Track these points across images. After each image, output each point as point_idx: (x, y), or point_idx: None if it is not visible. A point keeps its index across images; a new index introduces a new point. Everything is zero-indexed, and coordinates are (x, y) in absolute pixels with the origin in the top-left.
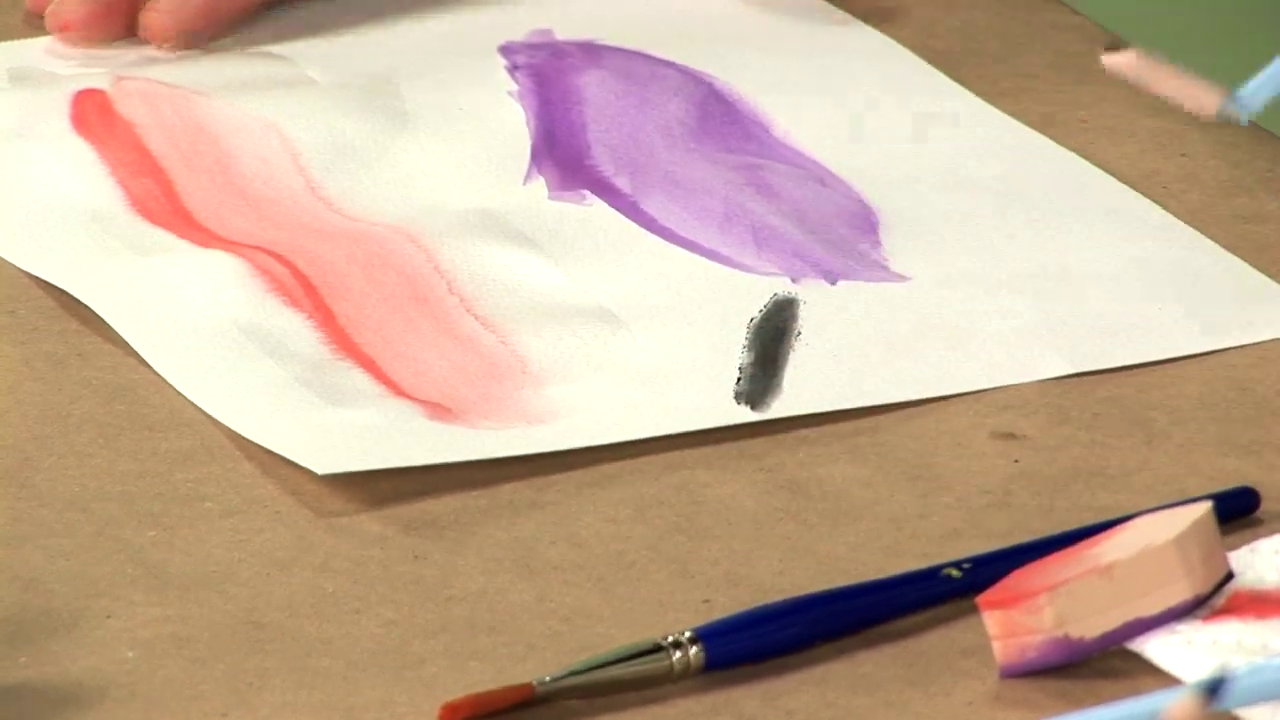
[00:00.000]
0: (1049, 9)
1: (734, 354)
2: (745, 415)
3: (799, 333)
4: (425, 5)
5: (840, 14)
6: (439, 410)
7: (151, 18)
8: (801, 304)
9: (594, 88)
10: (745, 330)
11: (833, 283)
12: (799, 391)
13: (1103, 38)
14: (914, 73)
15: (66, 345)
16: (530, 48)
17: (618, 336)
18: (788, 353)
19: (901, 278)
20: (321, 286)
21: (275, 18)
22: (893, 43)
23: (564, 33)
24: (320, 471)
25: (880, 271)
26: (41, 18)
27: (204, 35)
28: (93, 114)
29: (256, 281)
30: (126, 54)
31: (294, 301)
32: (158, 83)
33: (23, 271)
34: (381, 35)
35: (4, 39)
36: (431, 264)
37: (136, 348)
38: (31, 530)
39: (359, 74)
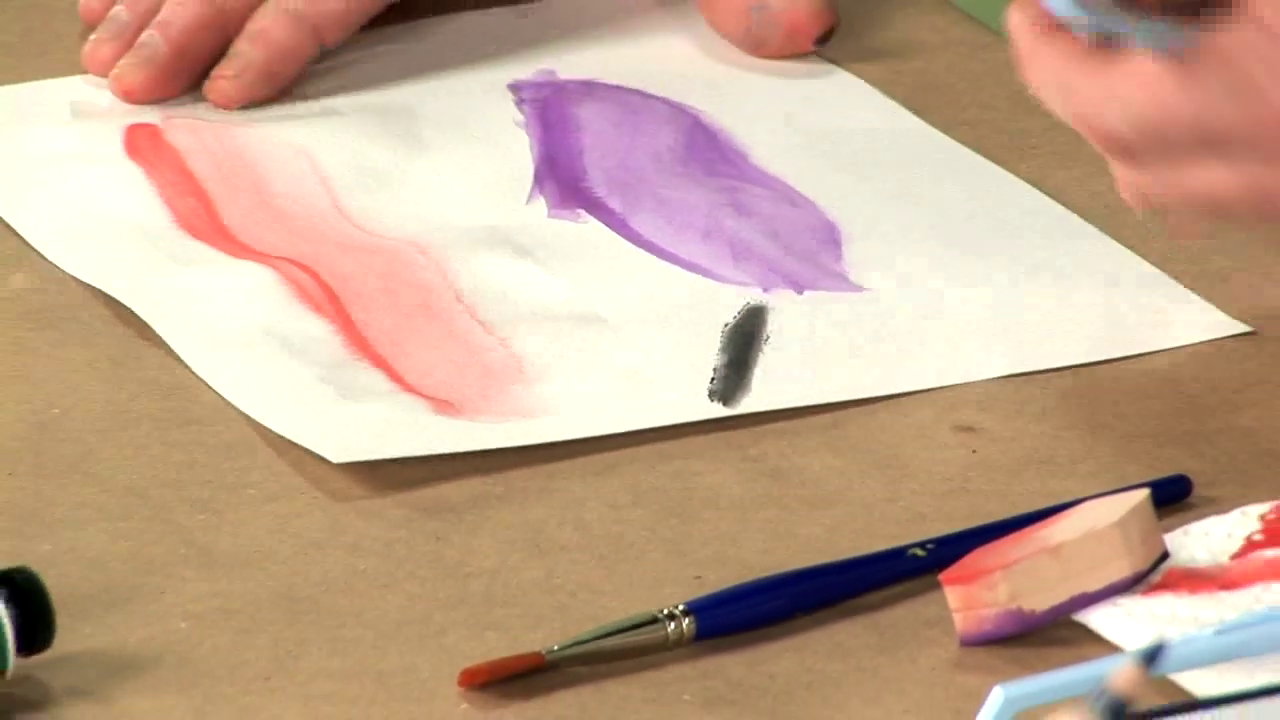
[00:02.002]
0: (1005, 49)
1: (709, 356)
2: (718, 410)
3: (769, 337)
4: (443, 48)
5: (812, 57)
6: (444, 405)
7: (218, 85)
8: (771, 311)
9: (591, 119)
10: (720, 334)
11: (800, 292)
12: (768, 389)
13: None
14: (877, 106)
15: (124, 348)
16: (536, 85)
17: (605, 339)
18: (758, 355)
19: (861, 288)
20: (342, 294)
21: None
22: (859, 80)
23: (566, 73)
24: (335, 460)
25: (842, 282)
26: (93, 26)
27: (263, 98)
28: (144, 142)
29: (284, 290)
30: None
31: (317, 308)
32: (202, 118)
33: (83, 282)
34: (403, 73)
35: (67, 74)
36: (440, 274)
37: (175, 348)
38: (93, 514)
39: (382, 106)
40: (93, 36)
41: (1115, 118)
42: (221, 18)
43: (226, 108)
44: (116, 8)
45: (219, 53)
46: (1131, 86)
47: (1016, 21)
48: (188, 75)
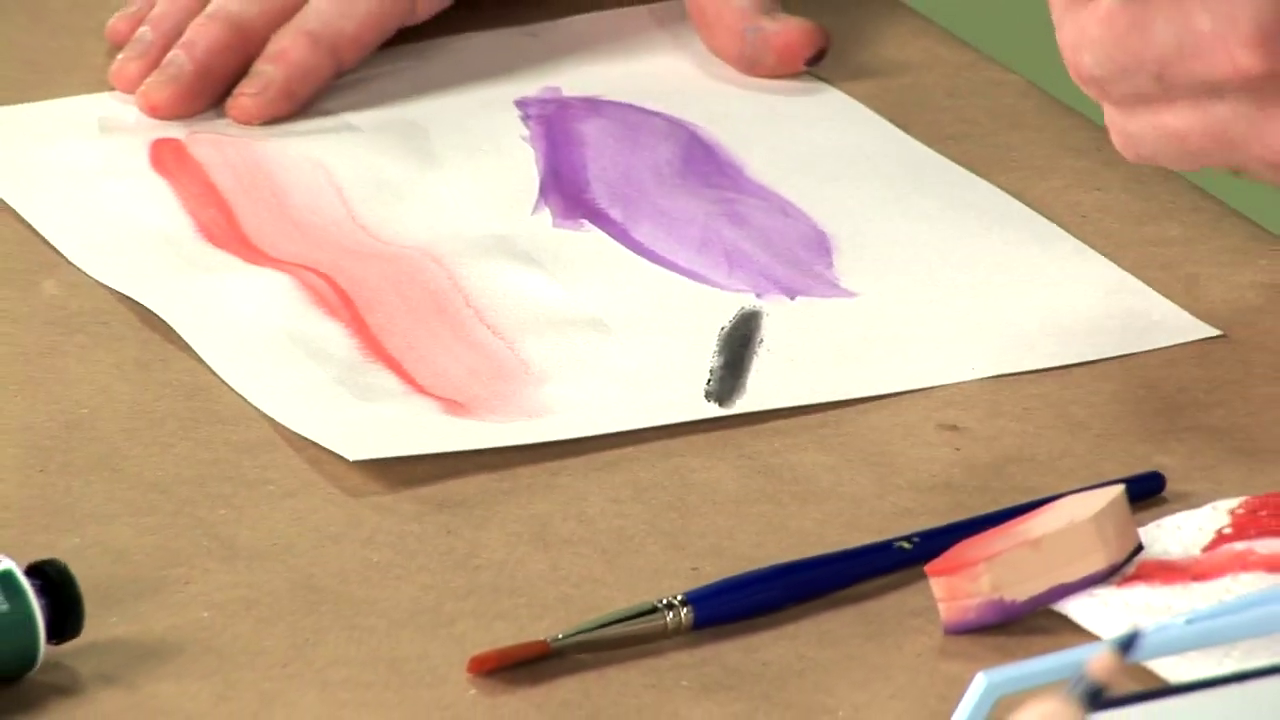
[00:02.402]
0: (988, 68)
1: (706, 358)
2: (714, 411)
3: (762, 341)
4: (453, 67)
5: (805, 75)
6: (453, 406)
7: (240, 102)
8: (765, 316)
9: (593, 133)
10: (716, 338)
11: (792, 298)
12: (761, 390)
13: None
14: (865, 122)
15: (150, 352)
16: (541, 101)
17: (606, 343)
18: (752, 358)
19: (850, 294)
20: (357, 300)
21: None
22: (848, 97)
23: (570, 90)
24: (351, 458)
25: (832, 289)
26: (119, 46)
27: (283, 115)
28: (168, 156)
29: (302, 295)
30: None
31: (333, 312)
32: (223, 133)
33: (111, 288)
34: (415, 90)
35: (95, 91)
36: (451, 281)
37: (198, 351)
38: (121, 509)
39: (395, 121)
40: (120, 55)
41: (1089, 59)
42: (243, 38)
43: (248, 124)
44: (142, 29)
45: (240, 72)
46: (1099, 27)
47: None
48: (211, 93)
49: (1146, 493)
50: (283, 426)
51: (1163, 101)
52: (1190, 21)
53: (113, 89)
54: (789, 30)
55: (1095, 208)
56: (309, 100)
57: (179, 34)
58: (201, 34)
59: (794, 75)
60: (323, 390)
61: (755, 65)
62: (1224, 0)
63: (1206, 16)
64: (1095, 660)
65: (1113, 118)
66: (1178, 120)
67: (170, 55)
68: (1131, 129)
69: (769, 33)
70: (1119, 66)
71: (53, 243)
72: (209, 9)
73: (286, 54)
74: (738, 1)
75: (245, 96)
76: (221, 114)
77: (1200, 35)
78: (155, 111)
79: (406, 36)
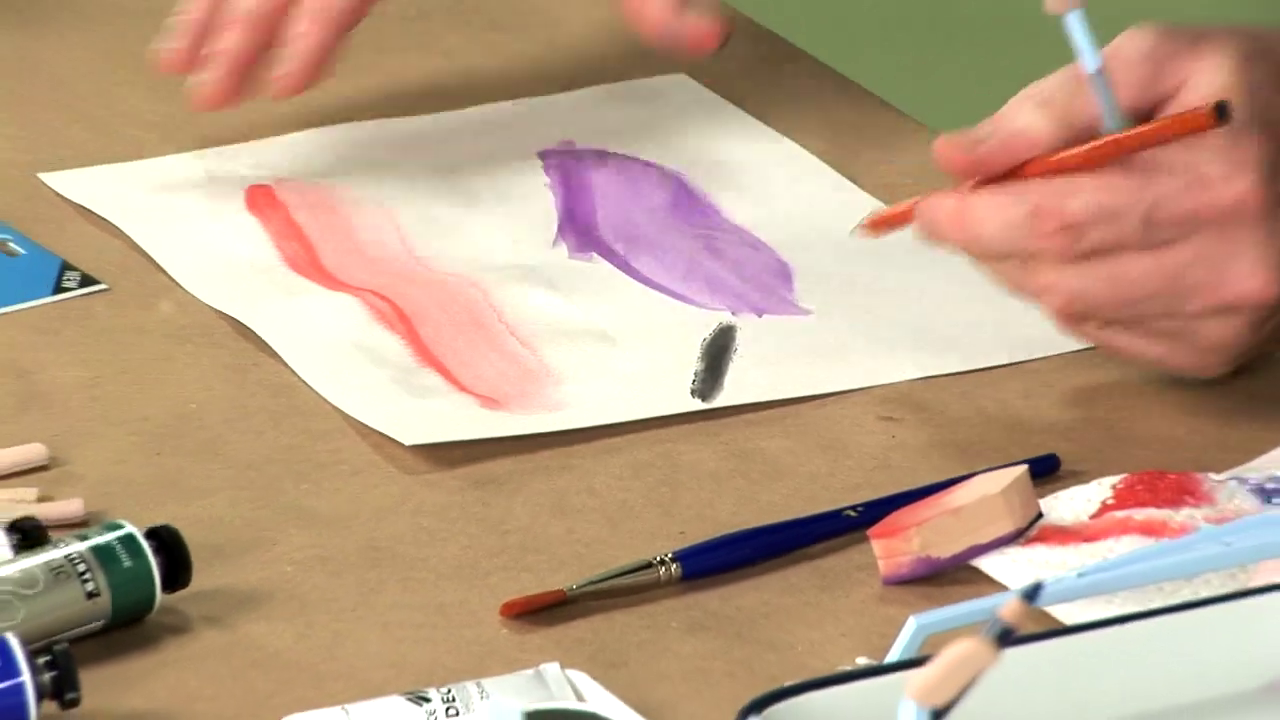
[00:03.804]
0: (917, 130)
1: (690, 363)
2: (698, 405)
3: (736, 349)
4: (489, 127)
5: (773, 132)
6: (489, 401)
7: (276, 86)
8: (738, 330)
9: (601, 181)
10: (699, 347)
11: (760, 315)
12: (736, 389)
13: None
14: (819, 172)
15: (245, 358)
16: (559, 153)
17: (611, 351)
18: (728, 364)
19: (807, 312)
20: (412, 317)
21: (387, 139)
22: (805, 152)
23: (582, 142)
24: (406, 443)
25: (792, 308)
26: (180, 74)
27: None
28: (260, 200)
29: (367, 314)
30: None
31: (392, 327)
32: (305, 180)
33: (214, 307)
34: (456, 147)
35: (201, 148)
36: (487, 301)
37: (284, 357)
38: (221, 485)
39: (442, 171)
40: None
41: (1077, 202)
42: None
43: (288, 97)
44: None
45: (266, 50)
46: (1098, 176)
47: (949, 152)
48: (244, 83)
49: (1045, 471)
50: (351, 418)
51: (1133, 249)
52: (1198, 168)
53: (216, 144)
54: (701, 27)
55: None
56: (330, 67)
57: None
58: (228, 37)
59: (759, 132)
60: (383, 388)
61: (673, 45)
62: (1233, 150)
63: (1216, 166)
64: (1006, 606)
65: (1061, 275)
66: (1137, 266)
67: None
68: (1080, 284)
69: (683, 31)
70: (1108, 210)
71: (168, 270)
72: (231, 16)
73: (299, 40)
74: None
75: (276, 79)
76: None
77: (1206, 174)
78: (202, 105)
79: (451, 104)
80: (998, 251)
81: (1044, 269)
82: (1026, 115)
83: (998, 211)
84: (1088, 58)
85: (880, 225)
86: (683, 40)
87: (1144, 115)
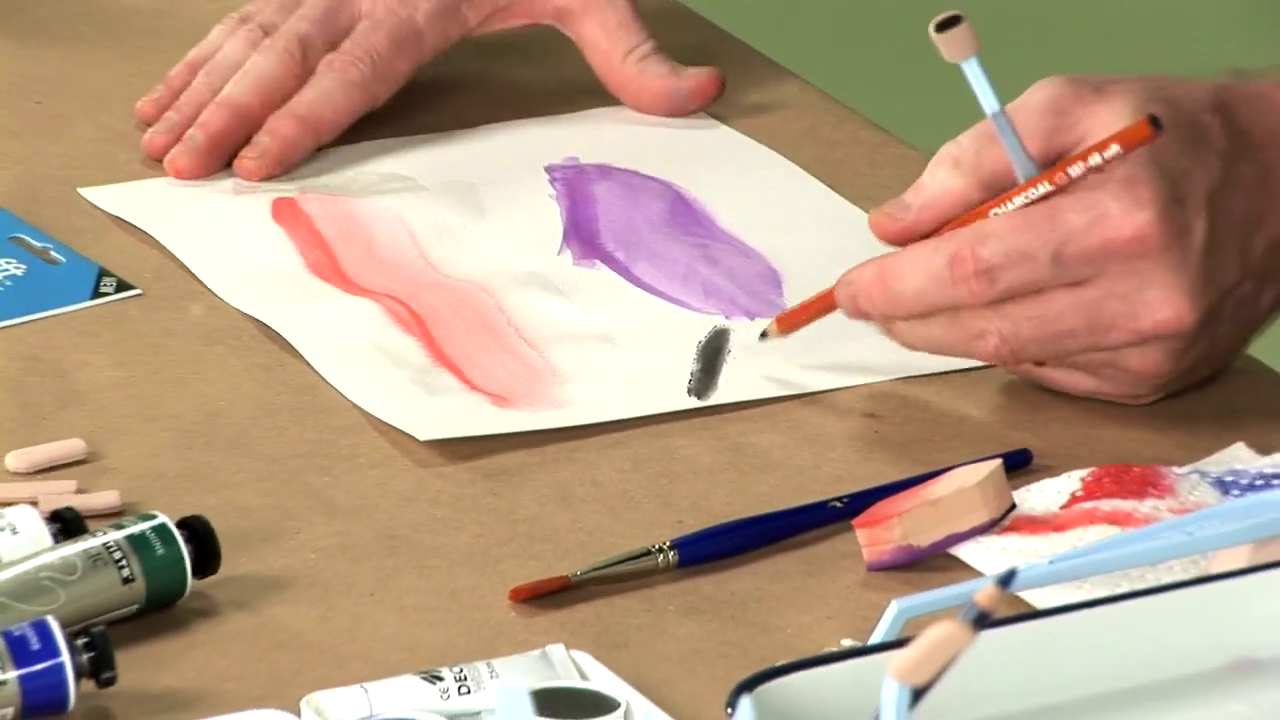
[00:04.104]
0: (898, 146)
1: (687, 364)
2: (694, 403)
3: (730, 351)
4: (499, 143)
5: (762, 147)
6: (499, 399)
7: (244, 163)
8: (731, 333)
9: (604, 193)
10: (695, 349)
11: (751, 319)
12: (729, 388)
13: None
14: (807, 185)
15: (271, 359)
16: (564, 167)
17: (613, 352)
18: (722, 364)
19: None
20: (427, 320)
21: (404, 155)
22: (794, 165)
23: (585, 158)
24: (422, 438)
25: (782, 312)
26: (158, 160)
27: (280, 175)
28: (285, 210)
29: (385, 317)
30: (308, 174)
31: (408, 330)
32: (327, 192)
33: (241, 312)
34: (469, 161)
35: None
36: (497, 306)
37: (307, 358)
38: (248, 477)
39: (454, 183)
40: (150, 130)
41: (988, 249)
42: (244, 121)
43: (249, 180)
44: (169, 113)
45: (243, 142)
46: (1006, 219)
47: (883, 226)
48: (218, 160)
49: (1018, 465)
50: (370, 414)
51: (1048, 289)
52: (1100, 205)
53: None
54: (700, 80)
55: None
56: (295, 166)
57: (196, 116)
58: (212, 116)
59: (750, 150)
60: (400, 387)
61: (681, 110)
62: (1132, 187)
63: (1116, 202)
64: (982, 591)
65: (989, 320)
66: (1056, 304)
67: (189, 132)
68: (1008, 326)
69: (687, 89)
70: (1019, 251)
71: (199, 276)
72: (219, 98)
73: (279, 130)
74: (654, 72)
75: (248, 159)
76: (317, 172)
77: (1107, 209)
78: (179, 174)
79: (464, 122)
80: (923, 307)
81: (971, 317)
82: (942, 175)
83: (917, 265)
84: (987, 101)
85: (790, 323)
86: (690, 100)
87: (1050, 163)
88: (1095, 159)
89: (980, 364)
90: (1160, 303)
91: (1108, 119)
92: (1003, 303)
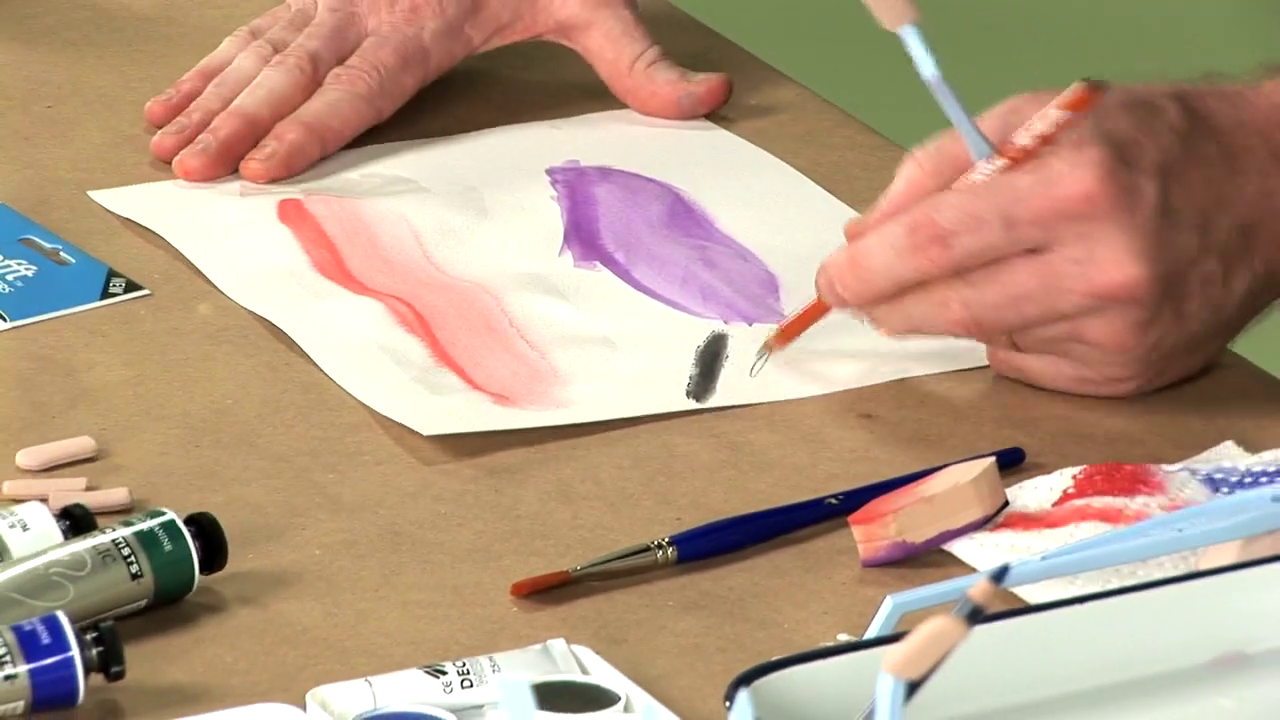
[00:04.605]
0: (892, 149)
1: (685, 367)
2: (692, 405)
3: (728, 355)
4: (501, 146)
5: (763, 152)
6: (501, 398)
7: (250, 165)
8: (730, 337)
9: (604, 196)
10: (693, 352)
11: (750, 324)
12: (727, 391)
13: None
14: (804, 188)
15: (278, 357)
16: (565, 170)
17: (613, 354)
18: (720, 368)
19: None
20: (430, 320)
21: (404, 156)
22: (791, 169)
23: (586, 161)
24: (426, 434)
25: (778, 317)
26: (166, 162)
27: (285, 179)
28: (290, 211)
29: (389, 317)
30: (314, 176)
31: (412, 329)
32: (332, 194)
33: (248, 311)
34: (471, 164)
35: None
36: (499, 306)
37: (313, 357)
38: (255, 474)
39: (457, 185)
40: (160, 131)
41: (944, 215)
42: (254, 128)
43: (255, 182)
44: (181, 117)
45: (252, 146)
46: (960, 188)
47: (853, 227)
48: (228, 164)
49: (1011, 463)
50: (375, 412)
51: (1005, 256)
52: (1048, 167)
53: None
54: (710, 84)
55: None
56: (300, 171)
57: (208, 122)
58: (224, 123)
59: (747, 152)
60: (404, 386)
61: (690, 114)
62: (1078, 149)
63: (1063, 163)
64: (975, 587)
65: (951, 288)
66: (1012, 270)
67: (201, 136)
68: (970, 292)
69: (697, 94)
70: (972, 215)
71: (206, 276)
72: (231, 108)
73: (286, 135)
74: (663, 78)
75: (255, 161)
76: (322, 174)
77: (1054, 170)
78: (187, 174)
79: (467, 126)
80: (891, 282)
81: (937, 288)
82: (905, 170)
83: (881, 240)
84: (925, 67)
85: (789, 334)
86: (700, 104)
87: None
88: (1037, 126)
89: (974, 365)
90: (1110, 263)
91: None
92: (965, 273)
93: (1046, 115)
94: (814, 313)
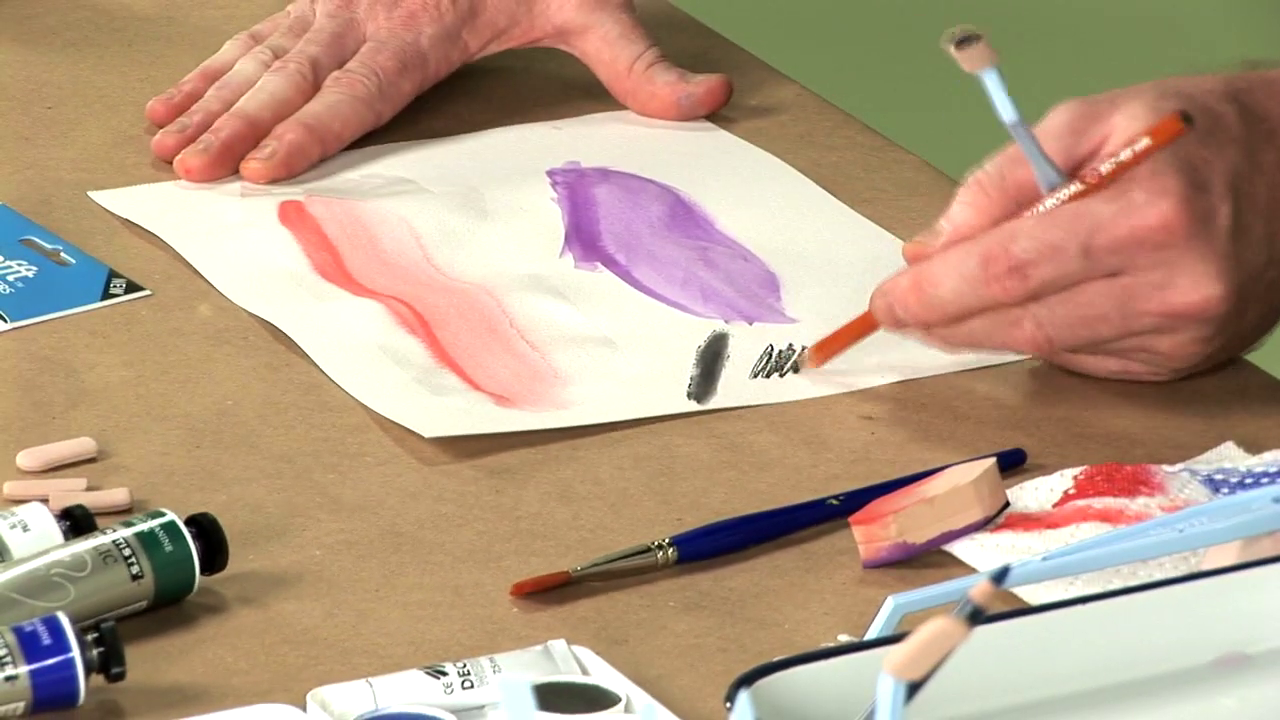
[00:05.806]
0: (893, 150)
1: (686, 368)
2: (693, 406)
3: (729, 355)
4: (502, 147)
5: (763, 152)
6: (502, 399)
7: (251, 165)
8: (730, 337)
9: (605, 197)
10: (694, 353)
11: (750, 323)
12: (727, 391)
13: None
14: (804, 188)
15: (278, 359)
16: (565, 171)
17: (614, 355)
18: (721, 368)
19: (793, 320)
20: (431, 321)
21: (404, 157)
22: (792, 169)
23: (587, 162)
24: (426, 435)
25: (780, 316)
26: (167, 162)
27: (285, 179)
28: (291, 213)
29: (390, 318)
30: (314, 177)
31: (413, 331)
32: (333, 195)
33: (248, 312)
34: (472, 165)
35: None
36: (500, 308)
37: (314, 358)
38: (256, 474)
39: (458, 186)
40: (161, 132)
41: (1020, 245)
42: (255, 129)
43: (255, 182)
44: (183, 117)
45: (253, 147)
46: (1035, 217)
47: (913, 250)
48: (228, 165)
49: (1012, 464)
50: (376, 413)
51: (1081, 281)
52: (1126, 196)
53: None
54: (710, 85)
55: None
56: (300, 172)
57: (209, 123)
58: (226, 124)
59: (749, 152)
60: (405, 387)
61: (690, 115)
62: (1154, 178)
63: (1141, 193)
64: (976, 588)
65: (1025, 311)
66: (1089, 293)
67: (203, 136)
68: (1043, 313)
69: (698, 95)
70: (1050, 245)
71: (207, 277)
72: (233, 110)
73: (286, 136)
74: (662, 80)
75: (255, 161)
76: (321, 175)
77: (1132, 201)
78: (188, 174)
79: (467, 127)
80: (960, 309)
81: (1009, 313)
82: (969, 199)
83: (950, 268)
84: (1006, 111)
85: (827, 350)
86: (700, 105)
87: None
88: (1126, 154)
89: (975, 364)
90: (1190, 288)
91: (1124, 124)
92: (1038, 298)
93: (1135, 144)
94: (857, 331)
